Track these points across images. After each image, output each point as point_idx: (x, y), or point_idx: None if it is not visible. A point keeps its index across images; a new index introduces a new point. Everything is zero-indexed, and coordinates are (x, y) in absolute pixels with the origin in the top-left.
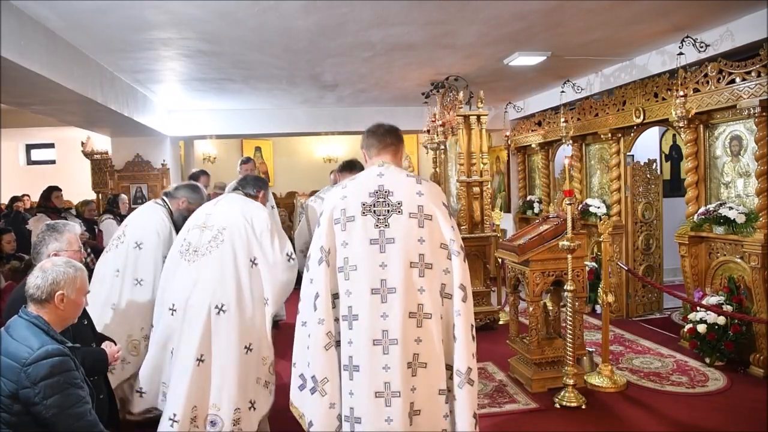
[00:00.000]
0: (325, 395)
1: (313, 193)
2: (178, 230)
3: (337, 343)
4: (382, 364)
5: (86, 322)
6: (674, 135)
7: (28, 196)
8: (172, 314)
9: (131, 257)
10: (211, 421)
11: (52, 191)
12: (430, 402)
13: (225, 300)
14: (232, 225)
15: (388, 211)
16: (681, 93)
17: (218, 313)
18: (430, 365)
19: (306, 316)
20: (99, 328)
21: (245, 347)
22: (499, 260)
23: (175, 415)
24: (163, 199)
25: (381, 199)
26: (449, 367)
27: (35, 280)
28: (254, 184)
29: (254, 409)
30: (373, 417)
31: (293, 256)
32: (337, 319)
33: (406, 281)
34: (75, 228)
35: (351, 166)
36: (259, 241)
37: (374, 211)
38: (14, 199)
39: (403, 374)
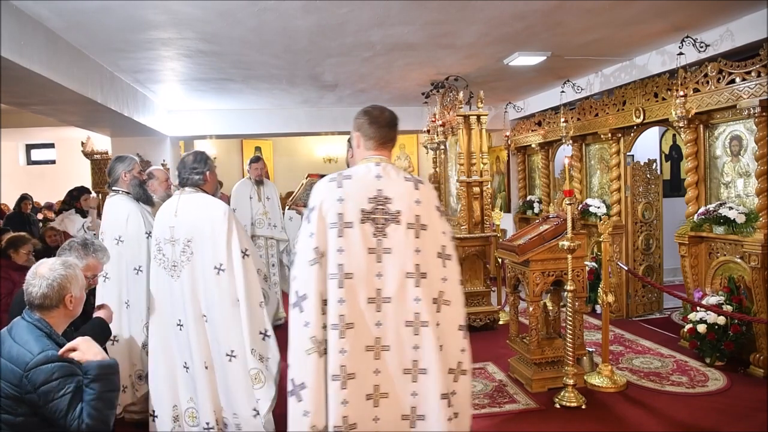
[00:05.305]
0: (300, 401)
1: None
2: (146, 200)
3: (324, 351)
4: (373, 368)
5: None
6: (674, 135)
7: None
8: (180, 329)
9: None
10: (225, 424)
11: (83, 193)
12: (435, 406)
13: (206, 310)
14: (196, 236)
15: (386, 220)
16: (681, 93)
17: (205, 321)
18: (431, 370)
19: (291, 315)
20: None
21: (227, 354)
22: (499, 260)
23: (208, 423)
24: (115, 190)
25: (380, 207)
26: (452, 371)
27: (39, 290)
28: (198, 170)
29: (258, 414)
30: (366, 419)
31: (247, 252)
32: (324, 326)
33: (401, 291)
34: (101, 256)
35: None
36: (227, 245)
37: (373, 219)
38: (22, 198)
39: (396, 378)
